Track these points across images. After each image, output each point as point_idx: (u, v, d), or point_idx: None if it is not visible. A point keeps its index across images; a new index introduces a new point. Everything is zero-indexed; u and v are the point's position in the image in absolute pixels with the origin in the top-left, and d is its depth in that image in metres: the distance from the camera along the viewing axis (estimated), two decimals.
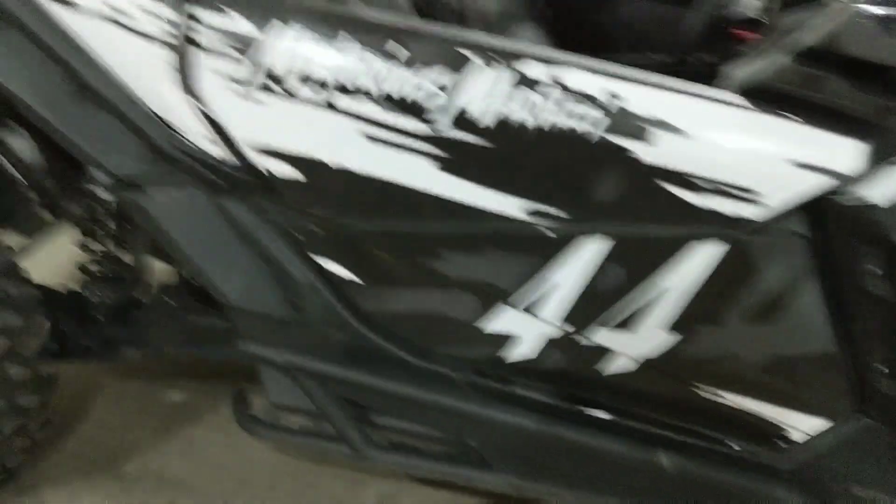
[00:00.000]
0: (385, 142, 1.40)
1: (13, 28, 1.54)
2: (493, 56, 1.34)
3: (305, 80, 1.40)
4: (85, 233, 1.99)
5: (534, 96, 1.31)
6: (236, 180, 1.57)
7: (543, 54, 1.32)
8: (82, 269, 2.00)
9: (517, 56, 1.33)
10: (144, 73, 1.53)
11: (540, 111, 1.31)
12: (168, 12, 1.46)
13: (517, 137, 1.33)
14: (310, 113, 1.42)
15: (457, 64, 1.35)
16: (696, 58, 2.52)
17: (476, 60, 1.34)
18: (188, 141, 1.55)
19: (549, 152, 1.33)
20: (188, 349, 1.99)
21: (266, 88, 1.43)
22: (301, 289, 1.58)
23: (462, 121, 1.35)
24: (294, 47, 1.40)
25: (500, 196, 1.38)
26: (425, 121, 1.37)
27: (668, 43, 2.73)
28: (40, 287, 1.96)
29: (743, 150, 1.25)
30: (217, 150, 1.54)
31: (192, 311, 1.96)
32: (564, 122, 1.30)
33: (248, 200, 1.57)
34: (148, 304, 2.02)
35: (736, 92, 1.28)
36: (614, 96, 1.28)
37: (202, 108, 1.50)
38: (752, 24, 2.25)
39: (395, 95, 1.37)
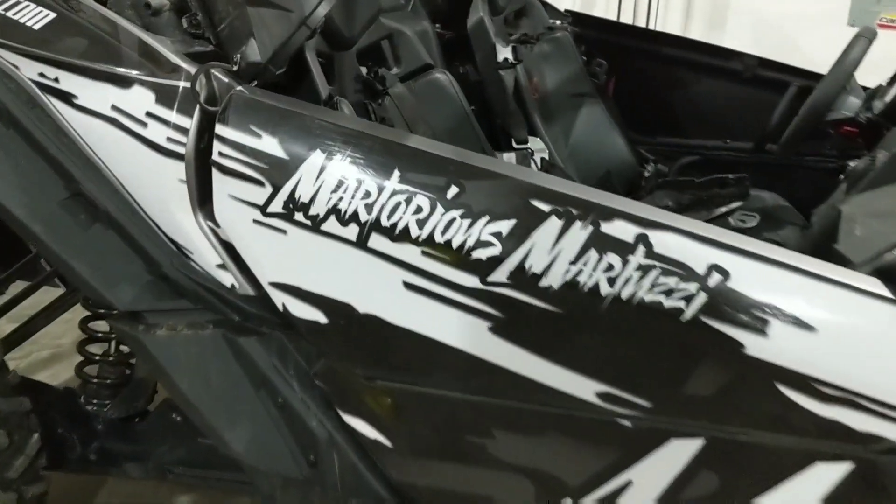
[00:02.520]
0: (426, 291, 1.15)
1: (1, 122, 1.34)
2: (564, 205, 1.08)
3: (337, 212, 1.16)
4: (84, 329, 1.77)
5: (613, 258, 1.05)
6: (249, 314, 1.34)
7: (628, 209, 1.07)
8: (79, 372, 1.78)
9: (594, 208, 1.07)
10: (152, 187, 1.31)
11: (619, 277, 1.05)
12: (186, 124, 1.24)
13: (589, 305, 1.07)
14: (339, 249, 1.18)
15: (519, 210, 1.10)
16: (775, 148, 2.26)
17: (543, 207, 1.09)
18: (197, 265, 1.32)
19: (629, 328, 1.07)
20: (194, 472, 1.75)
21: (290, 218, 1.19)
22: (319, 445, 1.33)
23: (521, 277, 1.09)
24: (329, 175, 1.17)
25: (565, 372, 1.12)
26: (476, 272, 1.12)
27: (749, 128, 2.46)
28: (33, 385, 1.75)
29: (884, 354, 0.98)
30: (229, 279, 1.31)
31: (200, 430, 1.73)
32: (649, 294, 1.04)
33: (262, 337, 1.33)
34: (153, 416, 1.79)
35: (871, 275, 1.01)
36: (717, 270, 1.02)
37: (216, 230, 1.27)
38: (851, 123, 1.99)
39: (442, 240, 1.12)
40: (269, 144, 1.19)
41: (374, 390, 1.26)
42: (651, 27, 4.03)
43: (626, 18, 4.09)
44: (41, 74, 1.32)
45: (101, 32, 1.30)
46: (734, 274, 1.02)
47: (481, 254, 1.10)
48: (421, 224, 1.13)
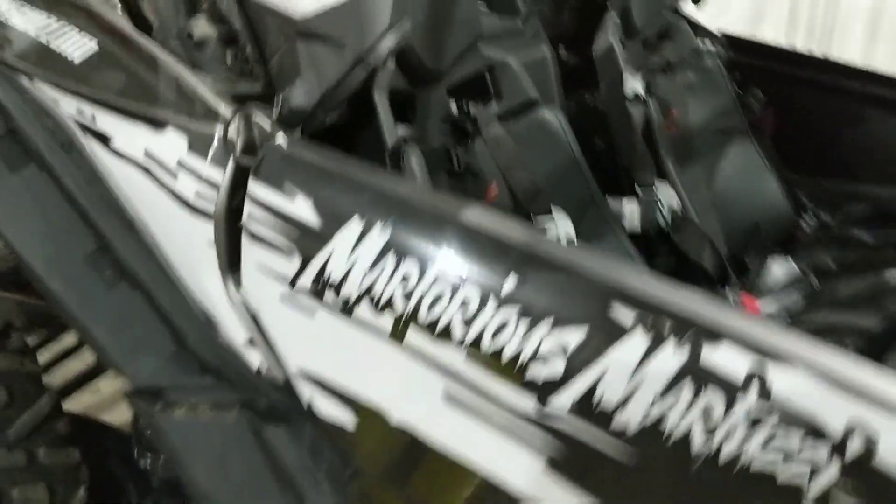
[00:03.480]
0: (470, 408, 0.91)
1: (32, 163, 1.21)
2: (656, 315, 0.81)
3: (371, 297, 0.94)
4: None
5: (713, 399, 0.77)
6: (276, 402, 1.14)
7: (743, 327, 0.77)
8: (134, 425, 1.65)
9: (696, 322, 0.79)
10: (182, 248, 1.14)
11: (720, 427, 0.76)
12: (218, 178, 1.06)
13: (676, 458, 0.79)
14: (372, 342, 0.96)
15: (595, 317, 0.83)
16: None
17: (626, 316, 0.82)
18: (224, 339, 1.14)
19: (727, 496, 0.78)
20: None
21: (320, 297, 0.99)
22: None
23: (590, 407, 0.83)
24: (365, 250, 0.95)
25: None
26: (531, 393, 0.86)
27: None
28: (91, 428, 1.64)
29: None
30: (257, 359, 1.12)
31: None
32: (761, 455, 0.75)
33: (291, 428, 1.13)
34: None
35: None
36: (862, 431, 0.71)
37: (244, 303, 1.09)
38: None
39: (492, 347, 0.87)
40: (302, 208, 0.99)
41: None
42: (828, 49, 3.56)
43: (800, 40, 3.64)
44: (79, 111, 1.19)
45: (141, 67, 1.15)
46: (887, 439, 0.71)
47: (540, 370, 0.85)
48: (468, 322, 0.89)
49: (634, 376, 0.80)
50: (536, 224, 1.44)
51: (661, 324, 0.80)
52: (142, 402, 1.16)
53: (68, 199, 1.19)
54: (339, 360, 1.01)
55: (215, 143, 1.07)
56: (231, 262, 1.08)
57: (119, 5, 1.19)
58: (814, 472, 0.72)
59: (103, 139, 1.17)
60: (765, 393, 0.75)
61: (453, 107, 1.42)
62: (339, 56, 1.04)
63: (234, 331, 1.11)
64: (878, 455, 0.70)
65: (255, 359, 1.11)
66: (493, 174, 1.43)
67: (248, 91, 1.11)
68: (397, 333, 0.93)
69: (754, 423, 0.75)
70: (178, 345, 1.16)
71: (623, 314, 0.81)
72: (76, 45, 1.20)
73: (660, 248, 1.80)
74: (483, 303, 0.88)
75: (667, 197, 1.73)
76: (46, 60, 1.20)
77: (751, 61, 2.28)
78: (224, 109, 1.07)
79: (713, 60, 2.13)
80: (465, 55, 1.40)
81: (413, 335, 0.92)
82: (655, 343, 0.80)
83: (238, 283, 1.08)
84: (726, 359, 0.77)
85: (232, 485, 1.14)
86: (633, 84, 1.74)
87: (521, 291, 0.86)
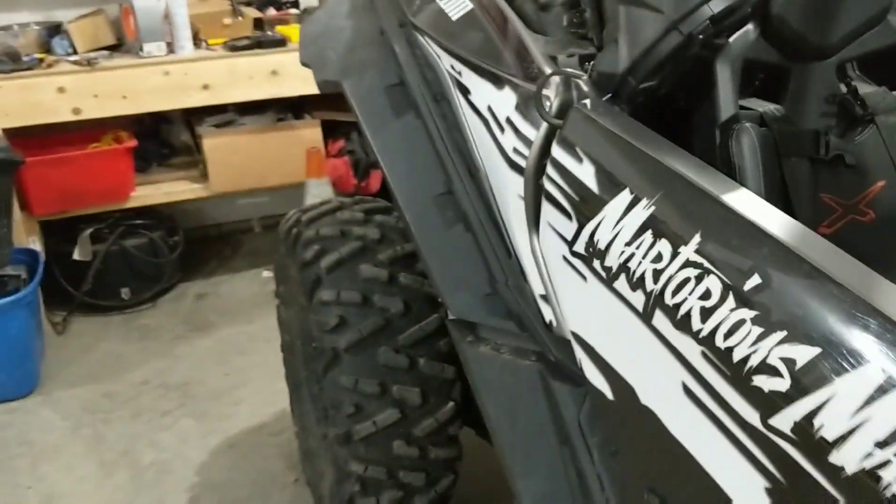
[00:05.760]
0: (703, 406, 0.83)
1: (412, 111, 1.39)
2: None
3: (627, 270, 0.92)
4: None
5: None
6: (561, 358, 1.16)
7: None
8: None
9: None
10: (503, 199, 1.22)
11: None
12: (532, 135, 1.12)
13: None
14: (627, 318, 0.93)
15: (832, 340, 0.70)
16: None
17: (870, 343, 0.67)
18: (529, 290, 1.20)
19: None
20: None
21: (589, 264, 0.99)
22: None
23: (810, 436, 0.70)
24: (629, 222, 0.92)
25: None
26: (756, 406, 0.76)
27: None
28: None
29: None
30: (549, 313, 1.15)
31: None
32: None
33: (574, 388, 1.15)
34: None
35: None
36: None
37: (540, 257, 1.13)
38: None
39: (723, 346, 0.79)
40: (586, 173, 0.99)
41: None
42: None
43: None
44: (452, 66, 1.33)
45: (494, 28, 1.24)
46: None
47: (764, 382, 0.74)
48: (705, 315, 0.81)
49: (861, 412, 0.66)
50: None
51: None
52: (456, 331, 1.28)
53: (432, 146, 1.35)
54: (601, 329, 1.00)
55: (533, 102, 1.12)
56: (535, 218, 1.12)
57: None
58: None
59: (466, 92, 1.30)
60: None
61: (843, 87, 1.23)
62: (654, 21, 0.99)
63: (535, 283, 1.16)
64: None
65: (547, 312, 1.15)
66: (881, 170, 1.21)
67: (578, 54, 1.13)
68: (646, 313, 0.89)
69: None
70: (491, 288, 1.25)
71: (868, 340, 0.67)
72: (459, 4, 1.34)
73: None
74: (722, 298, 0.79)
75: None
76: (436, 20, 1.36)
77: None
78: (547, 71, 1.11)
79: None
80: (865, 32, 1.20)
81: (659, 318, 0.87)
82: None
83: (537, 240, 1.12)
84: None
85: (516, 429, 1.20)
86: None
87: (761, 295, 0.76)
